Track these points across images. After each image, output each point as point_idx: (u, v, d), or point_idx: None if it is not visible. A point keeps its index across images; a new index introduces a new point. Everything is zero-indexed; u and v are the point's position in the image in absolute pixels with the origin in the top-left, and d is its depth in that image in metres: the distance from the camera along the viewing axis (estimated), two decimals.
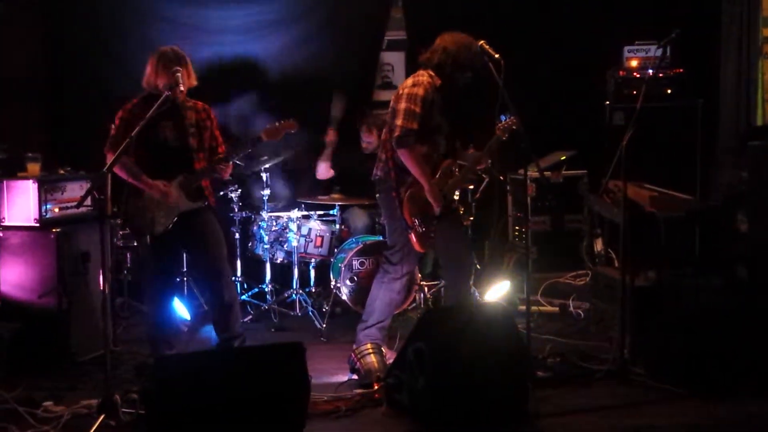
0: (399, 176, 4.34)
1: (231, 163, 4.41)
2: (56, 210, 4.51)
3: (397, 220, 4.38)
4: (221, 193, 5.63)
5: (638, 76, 5.98)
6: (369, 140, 5.83)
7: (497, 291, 5.48)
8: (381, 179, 4.46)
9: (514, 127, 4.29)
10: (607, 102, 6.01)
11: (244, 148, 4.44)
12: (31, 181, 4.42)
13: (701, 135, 5.94)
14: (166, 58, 4.17)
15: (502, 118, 4.36)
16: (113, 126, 4.21)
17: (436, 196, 4.30)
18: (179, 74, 4.01)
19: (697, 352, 3.96)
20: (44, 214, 4.43)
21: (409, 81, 4.37)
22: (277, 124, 4.42)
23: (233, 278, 5.67)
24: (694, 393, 3.86)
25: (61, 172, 4.69)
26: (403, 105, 4.26)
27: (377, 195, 4.56)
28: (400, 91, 4.34)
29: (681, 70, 5.95)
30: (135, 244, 5.32)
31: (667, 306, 4.26)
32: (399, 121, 4.24)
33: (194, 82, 4.27)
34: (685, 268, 4.50)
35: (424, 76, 4.35)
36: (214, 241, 4.33)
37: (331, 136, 6.05)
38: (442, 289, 5.36)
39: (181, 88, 4.03)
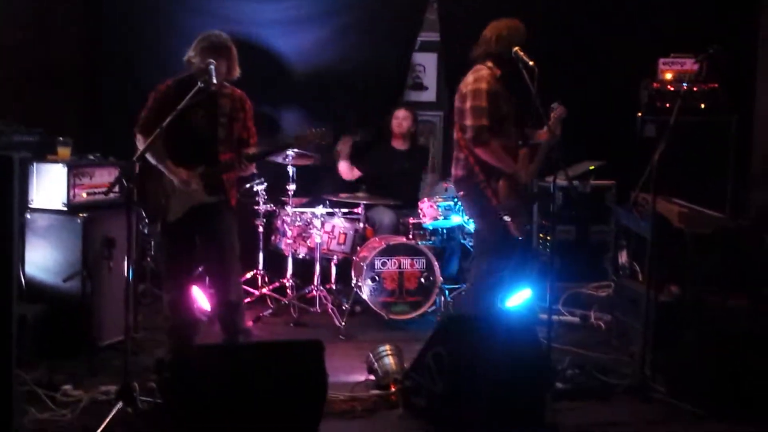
0: (485, 169, 4.27)
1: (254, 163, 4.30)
2: (84, 195, 4.53)
3: (489, 214, 4.30)
4: (247, 185, 5.65)
5: (672, 88, 5.90)
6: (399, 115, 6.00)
7: (518, 298, 5.44)
8: (465, 177, 4.38)
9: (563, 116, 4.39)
10: (639, 113, 5.94)
11: (272, 153, 4.35)
12: (60, 165, 4.44)
13: (734, 151, 5.87)
14: (207, 43, 4.07)
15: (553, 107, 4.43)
16: (146, 107, 4.14)
17: (526, 179, 4.31)
18: (212, 66, 3.95)
19: (720, 373, 3.90)
20: (72, 198, 4.45)
21: (470, 78, 4.30)
22: (308, 132, 4.30)
23: (258, 270, 5.71)
24: (715, 414, 3.80)
25: (91, 157, 4.71)
26: (468, 104, 4.21)
27: (460, 193, 4.51)
28: (463, 90, 4.28)
29: (716, 85, 5.86)
30: (146, 231, 5.29)
31: (690, 323, 4.21)
32: (469, 121, 4.20)
33: (235, 74, 4.18)
34: (710, 286, 4.44)
35: (482, 69, 4.29)
36: (226, 240, 4.20)
37: (342, 145, 6.05)
38: (463, 292, 5.34)
39: (213, 81, 3.95)
